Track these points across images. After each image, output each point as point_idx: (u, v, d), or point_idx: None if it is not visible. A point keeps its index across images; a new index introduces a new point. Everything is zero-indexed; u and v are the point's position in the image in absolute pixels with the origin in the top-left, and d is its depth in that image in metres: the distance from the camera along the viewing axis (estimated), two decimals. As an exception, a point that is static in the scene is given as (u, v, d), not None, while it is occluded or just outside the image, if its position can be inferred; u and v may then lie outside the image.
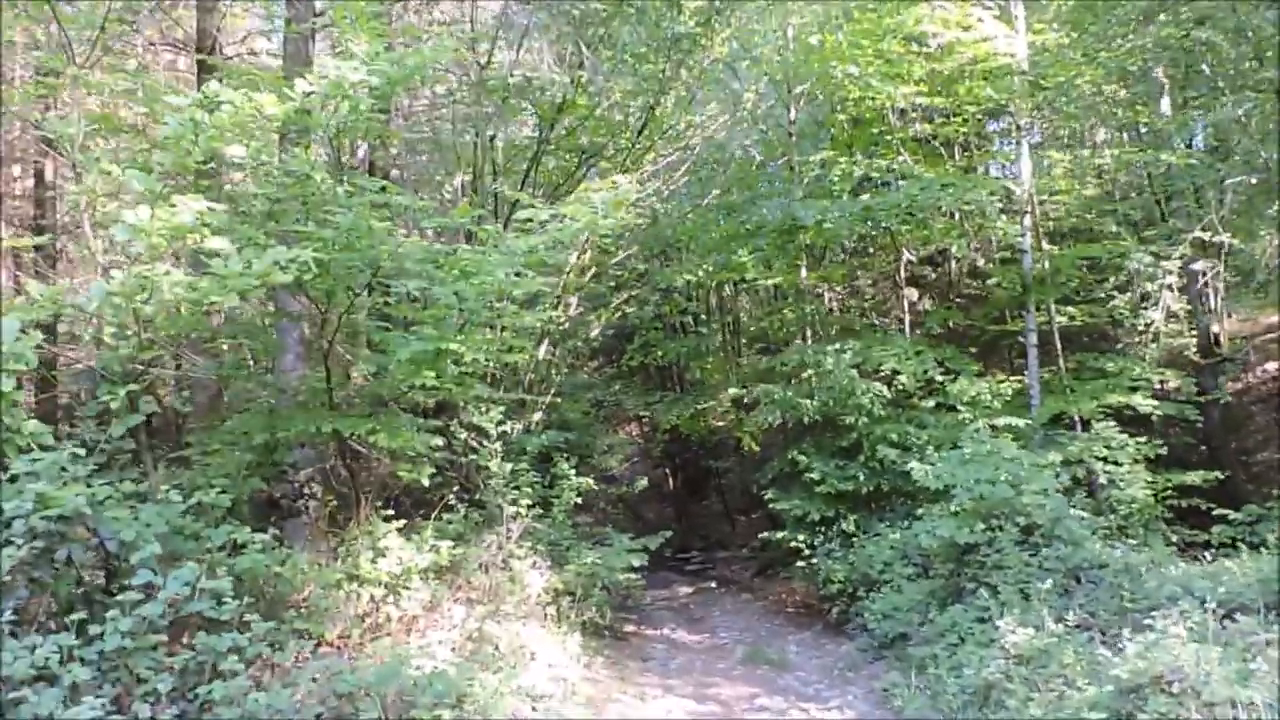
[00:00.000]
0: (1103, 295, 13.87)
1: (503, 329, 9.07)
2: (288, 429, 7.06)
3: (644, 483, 14.01)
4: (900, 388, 12.08)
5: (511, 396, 11.81)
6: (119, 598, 5.10)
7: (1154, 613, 7.42)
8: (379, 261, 6.58)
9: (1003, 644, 7.70)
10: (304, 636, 6.07)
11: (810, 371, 12.34)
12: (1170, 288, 11.48)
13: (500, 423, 9.99)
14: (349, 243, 6.32)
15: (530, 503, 9.94)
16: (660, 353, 17.56)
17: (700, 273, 13.97)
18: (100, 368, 6.12)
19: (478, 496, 10.19)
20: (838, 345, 12.11)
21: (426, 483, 7.65)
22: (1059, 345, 12.93)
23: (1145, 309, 11.89)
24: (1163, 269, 11.43)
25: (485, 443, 10.19)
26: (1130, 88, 13.26)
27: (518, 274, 7.02)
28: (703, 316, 19.47)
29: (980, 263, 15.28)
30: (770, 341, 17.43)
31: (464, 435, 10.33)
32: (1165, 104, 13.61)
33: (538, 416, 13.69)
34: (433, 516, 8.54)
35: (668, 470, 21.78)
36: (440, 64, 9.41)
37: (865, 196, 12.07)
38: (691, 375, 19.55)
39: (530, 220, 6.97)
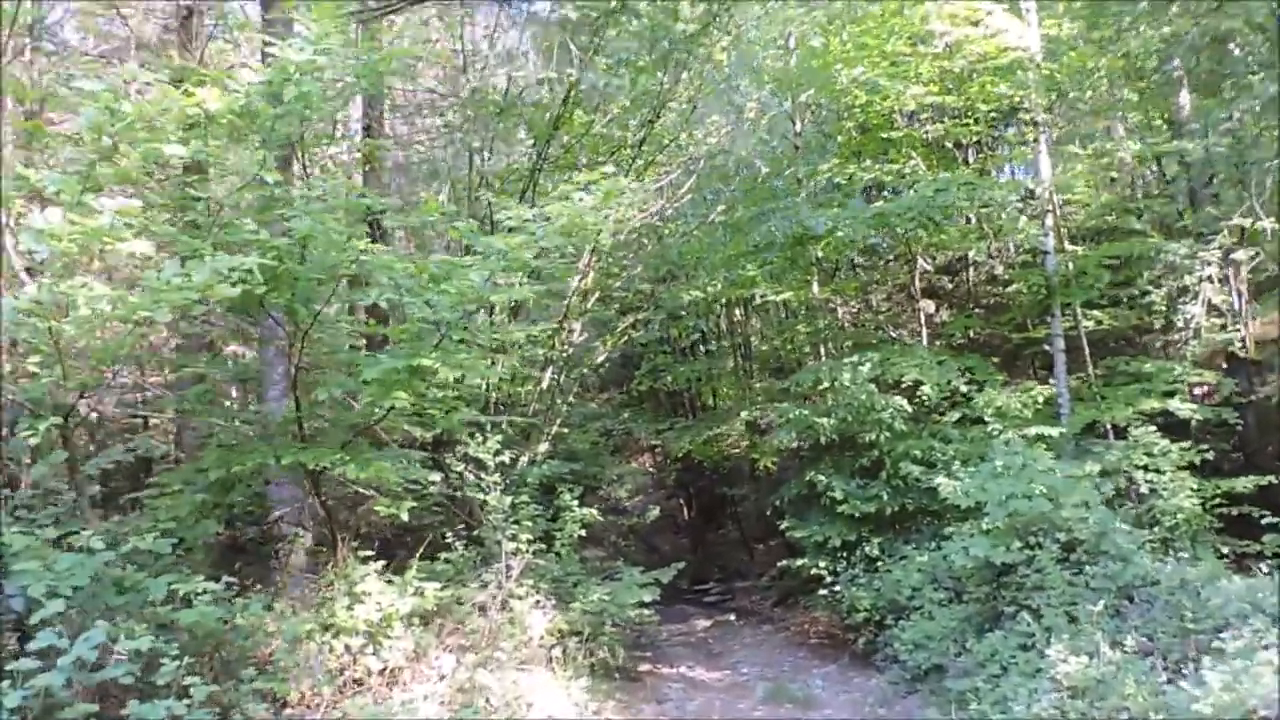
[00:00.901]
0: (1130, 296, 13.03)
1: (496, 349, 8.27)
2: (243, 463, 6.28)
3: (655, 513, 13.23)
4: (922, 401, 11.23)
5: (514, 419, 11.01)
6: (12, 666, 4.29)
7: (1221, 634, 6.56)
8: (339, 269, 5.82)
9: (1053, 674, 6.86)
10: (266, 698, 5.26)
11: (826, 386, 11.50)
12: (1210, 279, 10.63)
13: (498, 453, 9.21)
14: (307, 251, 5.57)
15: (531, 538, 9.15)
16: (670, 377, 16.76)
17: (708, 290, 13.18)
18: (24, 398, 5.37)
19: (476, 533, 9.39)
20: (855, 358, 11.29)
21: (406, 518, 6.85)
22: (1086, 351, 12.08)
23: (1184, 304, 11.02)
24: (1201, 259, 10.60)
25: (483, 475, 9.41)
26: (1147, 80, 12.46)
27: (499, 279, 6.20)
28: (712, 339, 18.68)
29: (998, 270, 14.47)
30: (783, 362, 16.62)
31: (460, 468, 9.53)
32: (1185, 96, 12.85)
33: (543, 447, 12.91)
34: (417, 556, 7.70)
35: (681, 500, 20.92)
36: (418, 59, 8.69)
37: (879, 203, 11.26)
38: (703, 400, 18.75)
39: (512, 222, 6.16)
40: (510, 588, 8.56)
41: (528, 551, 8.93)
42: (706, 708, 9.32)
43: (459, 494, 9.75)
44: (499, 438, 9.26)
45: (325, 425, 7.41)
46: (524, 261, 6.25)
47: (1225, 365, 12.22)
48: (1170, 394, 11.06)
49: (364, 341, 8.66)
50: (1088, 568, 8.00)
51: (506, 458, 9.37)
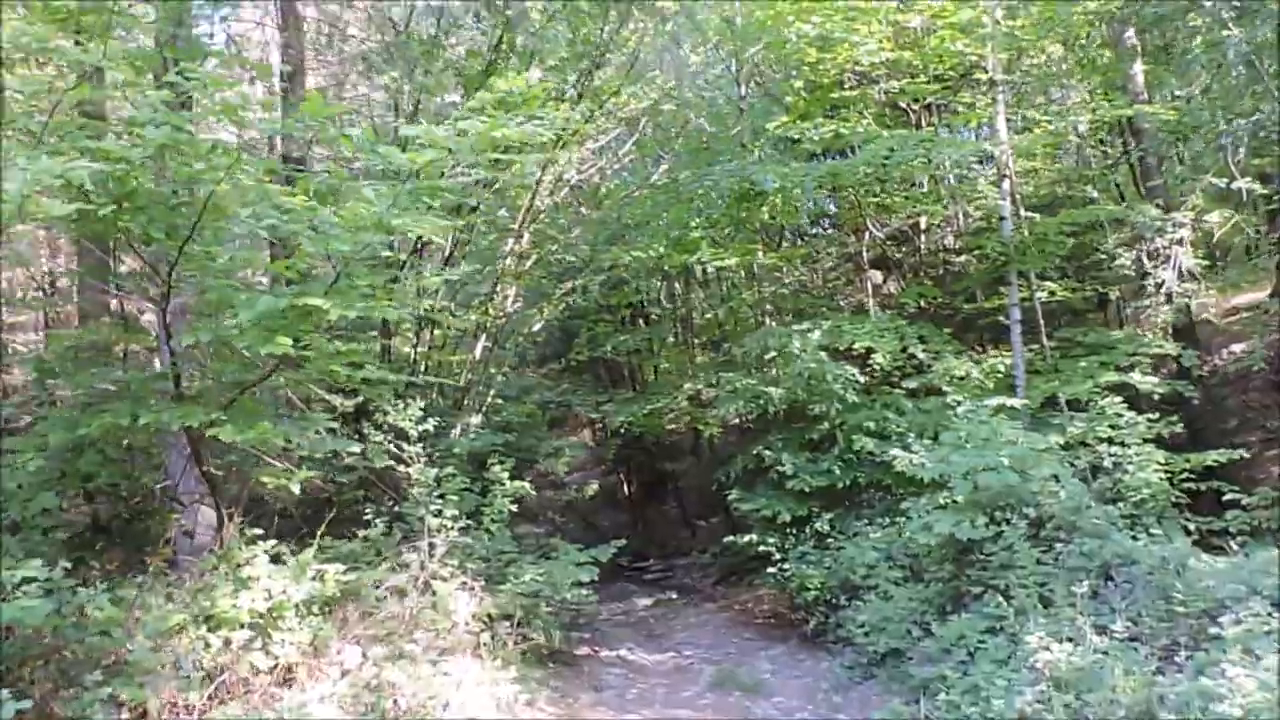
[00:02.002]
0: (1083, 268, 12.35)
1: (409, 294, 7.23)
2: (89, 425, 5.19)
3: (594, 488, 12.34)
4: (875, 370, 10.40)
5: (433, 380, 10.00)
6: None
7: (1217, 619, 5.81)
8: (201, 187, 4.74)
9: (1031, 662, 6.05)
10: (117, 706, 4.24)
11: (774, 355, 10.62)
12: (1182, 242, 9.91)
13: (421, 421, 8.19)
14: (164, 165, 4.51)
15: (458, 513, 8.16)
16: (609, 347, 15.76)
17: (650, 252, 12.24)
18: None
19: (398, 508, 8.38)
20: (805, 325, 10.42)
21: (297, 490, 5.80)
22: (1041, 322, 11.37)
23: (1155, 269, 10.27)
24: (1174, 222, 9.88)
25: (405, 445, 8.41)
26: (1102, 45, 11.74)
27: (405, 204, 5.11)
28: (653, 309, 17.69)
29: (949, 241, 13.70)
30: (725, 334, 15.75)
31: (380, 437, 8.50)
32: (1137, 67, 12.15)
33: (476, 419, 11.89)
34: (319, 535, 6.65)
35: (622, 475, 20.00)
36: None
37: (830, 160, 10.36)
38: (644, 373, 17.81)
39: (424, 141, 5.06)
40: (433, 568, 7.59)
41: (453, 528, 7.95)
42: (648, 695, 8.45)
43: (380, 466, 8.70)
44: (421, 404, 8.25)
45: (213, 383, 6.30)
46: (436, 186, 5.22)
47: (1171, 337, 11.54)
48: (1130, 367, 10.37)
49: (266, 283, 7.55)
50: (1060, 546, 7.26)
51: (430, 426, 8.35)
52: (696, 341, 17.31)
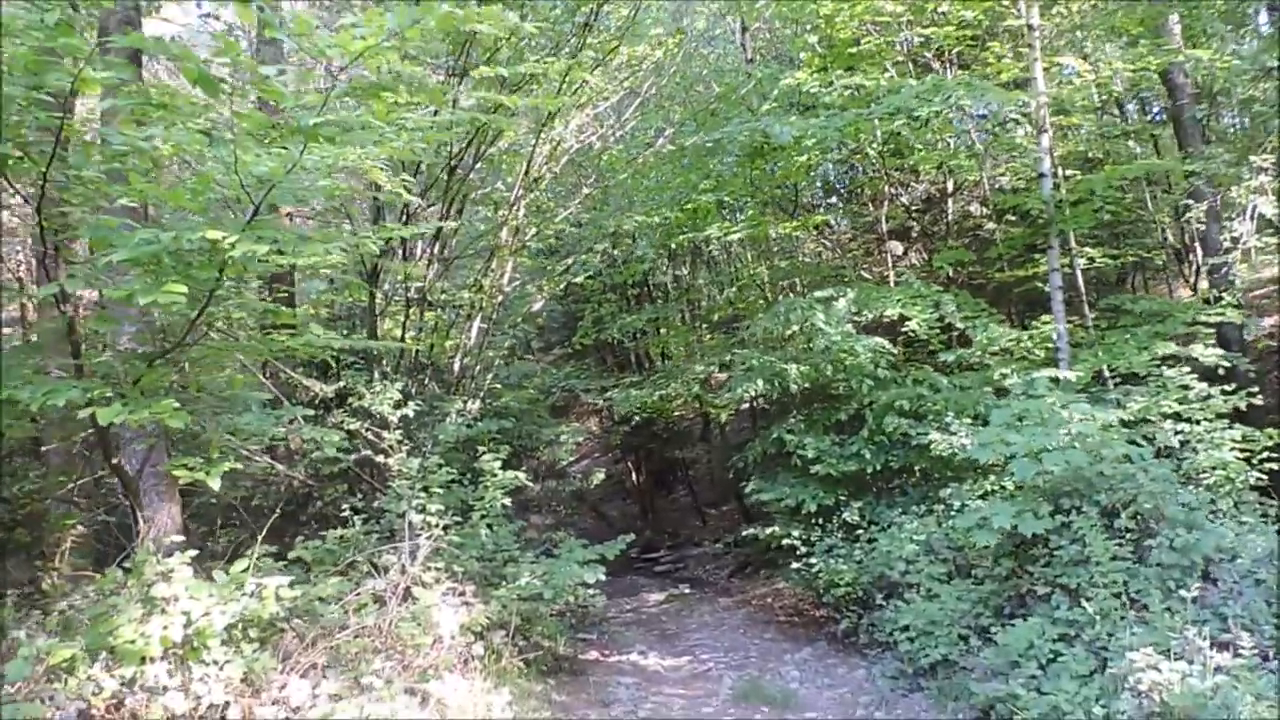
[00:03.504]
0: (1124, 234, 11.11)
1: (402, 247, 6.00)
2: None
3: (601, 476, 11.20)
4: (909, 342, 9.18)
5: (424, 360, 8.84)
6: None
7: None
8: (48, 87, 3.52)
9: (1133, 684, 4.82)
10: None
11: (795, 330, 9.39)
12: (1264, 190, 8.64)
13: (399, 405, 7.00)
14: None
15: (444, 508, 6.95)
16: (615, 330, 14.53)
17: (655, 218, 11.00)
18: None
19: (374, 504, 7.20)
20: (829, 293, 9.18)
21: (216, 485, 4.60)
22: (1083, 290, 10.13)
23: (1230, 221, 9.00)
24: (1252, 166, 8.62)
25: (384, 434, 7.23)
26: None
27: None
28: (660, 293, 16.44)
29: (976, 208, 12.45)
30: (737, 313, 14.51)
31: (355, 424, 7.32)
32: (1174, 20, 10.91)
33: (473, 405, 10.69)
34: (259, 541, 5.43)
35: (630, 463, 18.84)
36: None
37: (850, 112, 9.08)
38: (651, 356, 16.57)
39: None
40: (415, 572, 6.38)
41: (440, 526, 6.75)
42: (664, 709, 7.29)
43: (356, 457, 7.53)
44: (399, 385, 7.06)
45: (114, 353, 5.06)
46: (382, 91, 3.96)
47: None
48: (1190, 338, 9.13)
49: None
50: (1140, 538, 6.05)
51: (410, 410, 7.17)
52: (705, 324, 16.10)
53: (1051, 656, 5.67)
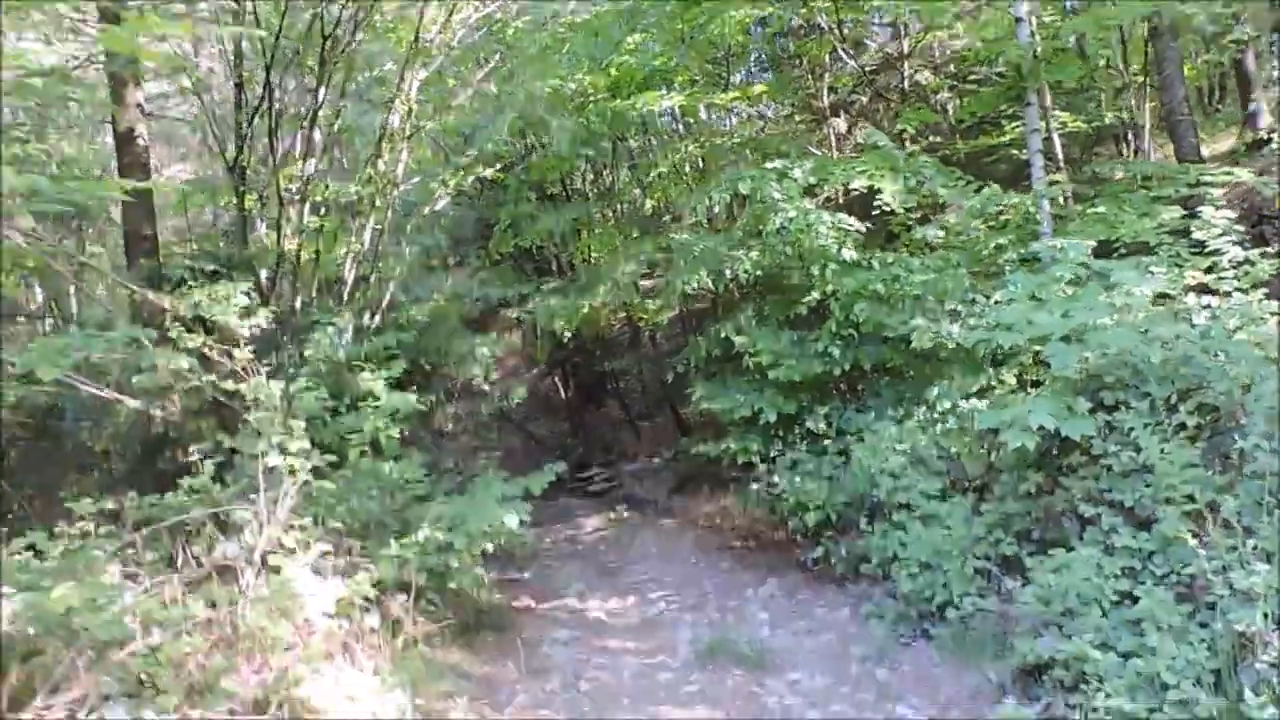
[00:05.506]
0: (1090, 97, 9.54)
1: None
2: None
3: (522, 392, 9.47)
4: (885, 214, 7.53)
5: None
6: None
7: None
8: None
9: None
10: None
11: (754, 209, 7.62)
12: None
13: (247, 312, 5.13)
14: None
15: (313, 444, 5.14)
16: (534, 234, 12.59)
17: (570, 83, 9.07)
18: None
19: (227, 444, 5.36)
20: (783, 163, 7.44)
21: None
22: (1060, 155, 8.58)
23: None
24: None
25: (235, 352, 5.37)
26: None
27: None
28: (578, 196, 14.45)
29: (926, 78, 10.74)
30: (665, 214, 12.72)
31: (199, 340, 5.43)
32: None
33: (373, 321, 8.80)
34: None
35: (557, 378, 17.08)
36: None
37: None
38: (577, 261, 14.67)
39: None
40: (272, 533, 4.58)
41: (305, 470, 4.94)
42: (611, 676, 5.69)
43: (211, 383, 5.65)
44: (245, 287, 5.19)
45: None
46: None
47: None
48: (1188, 200, 7.62)
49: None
50: (1217, 438, 4.56)
51: (262, 320, 5.30)
52: (631, 225, 14.21)
53: (1117, 598, 4.17)
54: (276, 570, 4.56)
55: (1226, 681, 3.48)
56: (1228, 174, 7.57)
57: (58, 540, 4.52)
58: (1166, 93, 9.41)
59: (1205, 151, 11.57)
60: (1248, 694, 3.34)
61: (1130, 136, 10.69)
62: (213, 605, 4.16)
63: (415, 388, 7.31)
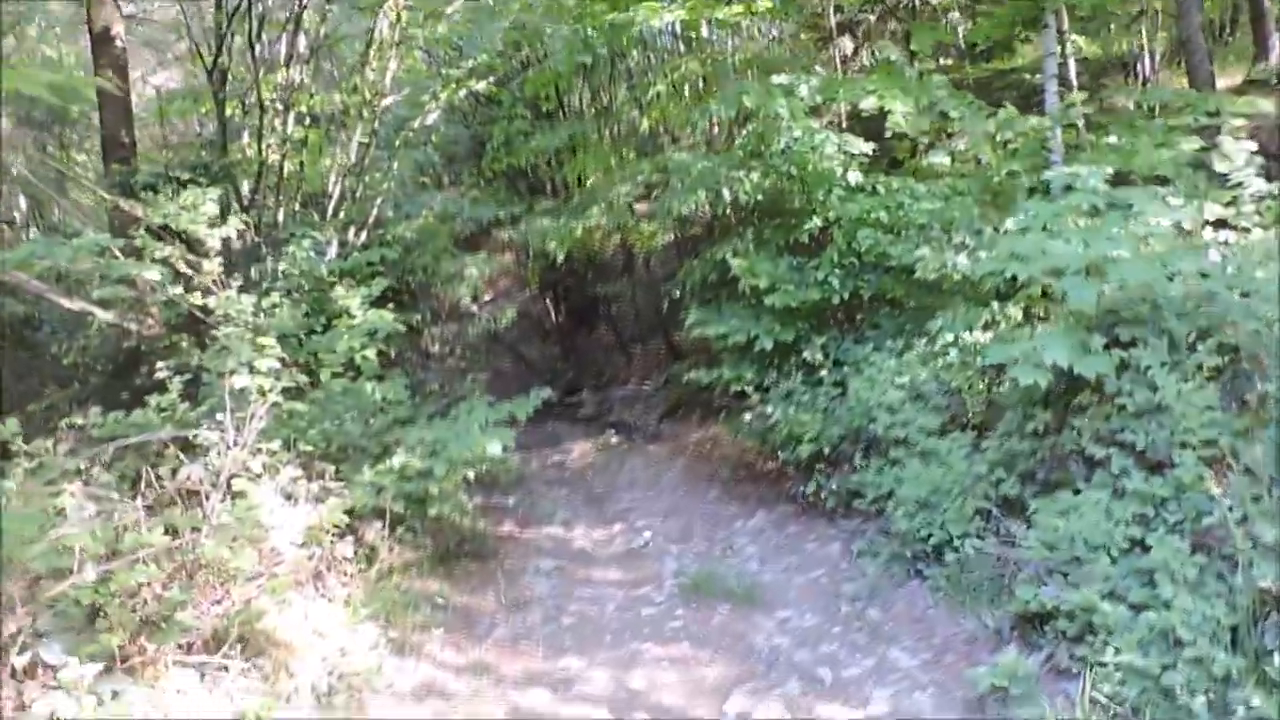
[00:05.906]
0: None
1: None
2: None
3: (511, 314, 9.12)
4: (896, 137, 7.14)
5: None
6: None
7: None
8: None
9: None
10: None
11: (757, 128, 7.19)
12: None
13: (214, 222, 4.77)
14: None
15: (285, 362, 4.84)
16: (528, 152, 12.12)
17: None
18: None
19: (195, 361, 5.06)
20: (789, 78, 7.01)
21: None
22: (1074, 81, 8.15)
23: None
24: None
25: (204, 263, 5.03)
26: None
27: None
28: (574, 115, 13.91)
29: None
30: (668, 128, 12.21)
31: (168, 251, 5.10)
32: None
33: (359, 237, 8.44)
34: None
35: (549, 301, 16.72)
36: None
37: None
38: (570, 180, 14.22)
39: None
40: (242, 455, 4.30)
41: (273, 390, 4.64)
42: (593, 609, 5.49)
43: (180, 295, 5.33)
44: (214, 194, 4.83)
45: None
46: None
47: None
48: (1204, 130, 7.22)
49: None
50: (1237, 380, 4.28)
51: (233, 230, 4.95)
52: (627, 146, 13.72)
53: (1127, 546, 3.93)
54: (242, 495, 4.29)
55: (1245, 639, 3.26)
56: (1250, 103, 7.17)
57: (15, 459, 4.26)
58: (1183, 20, 9.01)
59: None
60: (1275, 655, 3.12)
61: (1140, 65, 10.26)
62: (174, 532, 3.89)
63: (396, 306, 7.00)
